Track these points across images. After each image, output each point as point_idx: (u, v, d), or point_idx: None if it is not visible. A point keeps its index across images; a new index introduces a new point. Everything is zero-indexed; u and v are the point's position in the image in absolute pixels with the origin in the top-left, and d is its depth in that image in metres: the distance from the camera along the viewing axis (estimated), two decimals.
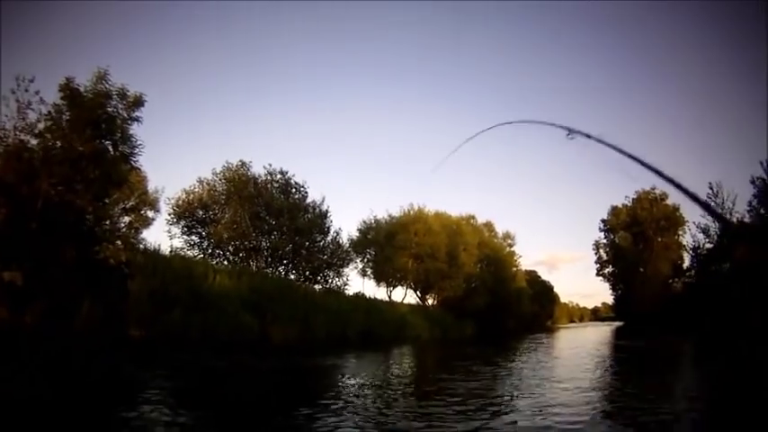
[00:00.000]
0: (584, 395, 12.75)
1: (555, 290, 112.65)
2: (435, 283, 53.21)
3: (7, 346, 14.53)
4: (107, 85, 21.12)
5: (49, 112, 20.13)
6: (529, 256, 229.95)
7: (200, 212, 37.86)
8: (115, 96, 21.30)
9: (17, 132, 19.65)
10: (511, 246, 74.06)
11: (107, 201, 22.25)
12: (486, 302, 57.29)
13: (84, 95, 20.64)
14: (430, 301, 56.51)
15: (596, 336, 53.43)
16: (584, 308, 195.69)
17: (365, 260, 52.54)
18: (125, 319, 20.11)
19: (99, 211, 21.67)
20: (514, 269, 73.48)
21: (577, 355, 27.66)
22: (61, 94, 20.38)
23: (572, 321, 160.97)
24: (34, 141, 20.03)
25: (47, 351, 14.68)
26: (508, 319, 65.44)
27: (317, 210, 39.80)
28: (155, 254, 26.13)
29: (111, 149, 21.50)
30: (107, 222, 22.90)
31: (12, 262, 17.34)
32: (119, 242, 21.38)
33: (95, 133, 20.71)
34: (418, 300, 55.50)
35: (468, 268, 55.99)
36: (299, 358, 21.09)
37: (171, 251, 30.72)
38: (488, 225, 70.26)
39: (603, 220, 74.43)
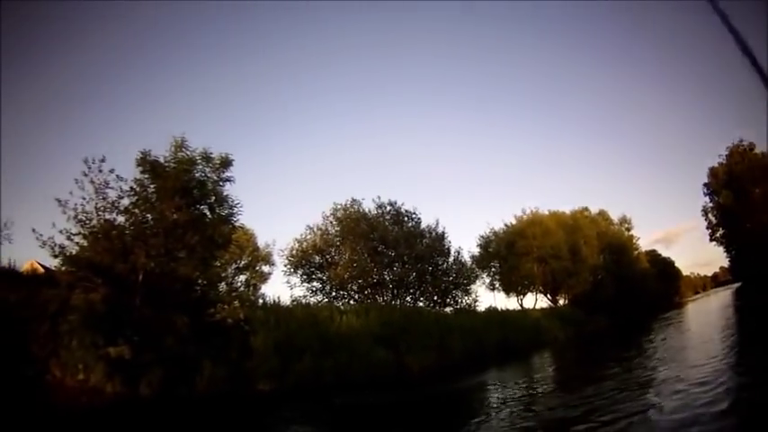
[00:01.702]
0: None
1: (676, 264, 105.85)
2: (563, 283, 50.40)
3: (124, 419, 14.51)
4: (187, 152, 19.98)
5: (131, 187, 19.29)
6: (645, 237, 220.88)
7: (317, 258, 35.99)
8: (200, 161, 20.22)
9: (99, 213, 18.75)
10: (629, 230, 69.99)
11: (216, 264, 21.39)
12: (614, 291, 54.06)
13: (165, 166, 19.68)
14: (560, 302, 53.50)
15: (718, 302, 53.39)
16: (705, 276, 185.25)
17: (491, 273, 49.91)
18: (250, 375, 18.89)
19: (208, 274, 20.59)
20: (635, 252, 69.47)
21: (708, 325, 28.59)
22: (140, 168, 19.55)
23: (696, 292, 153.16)
24: (121, 218, 19.24)
25: (167, 419, 14.92)
26: (637, 303, 60.72)
27: (434, 233, 37.30)
28: (275, 306, 24.74)
29: (208, 213, 20.61)
30: (220, 284, 21.92)
31: (118, 337, 16.67)
32: (236, 302, 20.07)
33: (188, 200, 19.72)
34: (549, 302, 52.69)
35: (591, 261, 52.76)
36: (439, 384, 20.45)
37: (292, 301, 29.30)
38: (603, 214, 66.09)
39: (705, 184, 68.84)
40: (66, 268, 18.15)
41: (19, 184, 61.35)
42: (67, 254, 18.03)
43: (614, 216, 68.99)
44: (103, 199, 18.74)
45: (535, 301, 51.03)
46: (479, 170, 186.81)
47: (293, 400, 17.32)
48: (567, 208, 58.69)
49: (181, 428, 14.40)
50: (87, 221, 18.47)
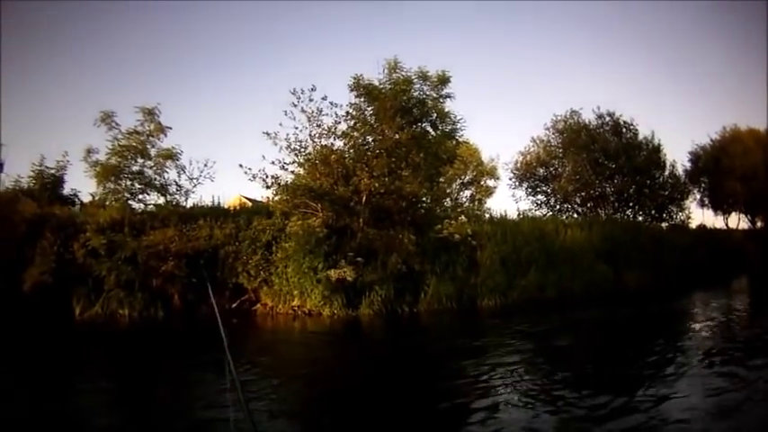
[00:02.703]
0: None
1: None
2: (761, 204, 45.74)
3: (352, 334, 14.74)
4: (402, 73, 18.99)
5: (347, 112, 18.66)
6: None
7: (541, 170, 34.80)
8: (416, 80, 19.12)
9: (314, 140, 18.54)
10: None
11: (441, 180, 21.21)
12: None
13: (380, 88, 18.73)
14: (758, 224, 49.21)
15: None
16: None
17: (701, 189, 45.84)
18: (476, 290, 18.43)
19: (434, 191, 20.46)
20: None
21: None
22: (354, 92, 18.87)
23: None
24: (339, 143, 18.97)
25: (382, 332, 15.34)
26: None
27: (651, 145, 34.70)
28: (502, 220, 23.89)
29: (431, 130, 19.74)
30: (445, 200, 21.85)
31: (339, 260, 16.61)
32: (462, 217, 20.10)
33: (408, 119, 18.81)
34: (749, 224, 48.12)
35: None
36: (653, 302, 19.41)
37: (519, 214, 28.19)
38: None
39: None
40: (281, 197, 18.07)
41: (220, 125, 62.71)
42: (281, 183, 17.97)
43: None
44: (318, 126, 18.36)
45: (738, 221, 47.08)
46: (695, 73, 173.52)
47: (517, 315, 16.33)
48: (761, 125, 54.05)
49: (393, 339, 14.24)
50: (302, 150, 18.36)
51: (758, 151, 44.34)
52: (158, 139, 17.72)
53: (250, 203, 22.39)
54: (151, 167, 17.72)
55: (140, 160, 17.51)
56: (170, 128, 17.94)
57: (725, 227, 44.86)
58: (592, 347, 12.15)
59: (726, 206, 45.36)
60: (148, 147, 17.56)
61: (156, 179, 17.79)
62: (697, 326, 14.44)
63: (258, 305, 17.01)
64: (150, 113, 17.56)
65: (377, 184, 17.55)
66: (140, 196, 17.95)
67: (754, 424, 6.30)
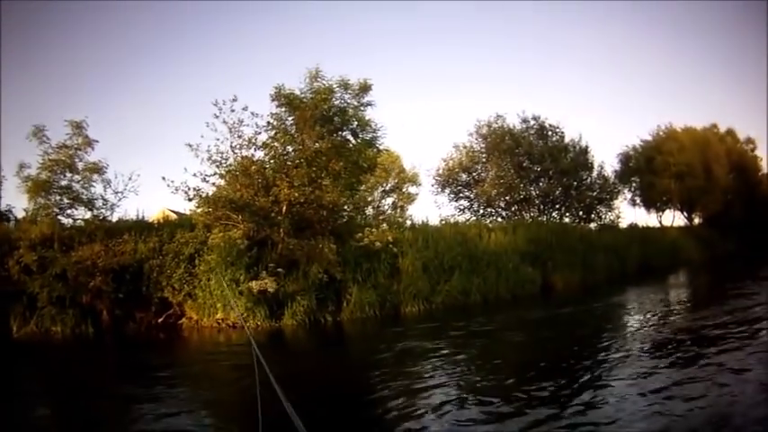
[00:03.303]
0: None
1: None
2: (697, 201, 47.94)
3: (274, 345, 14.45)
4: (324, 82, 19.41)
5: (268, 122, 18.76)
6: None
7: (464, 176, 35.05)
8: (337, 88, 19.52)
9: (235, 151, 18.48)
10: (753, 150, 64.92)
11: (362, 188, 21.68)
12: (743, 214, 50.85)
13: (301, 97, 19.01)
14: (695, 221, 51.37)
15: None
16: None
17: (632, 189, 47.63)
18: (398, 297, 18.55)
19: (355, 199, 21.10)
20: (760, 174, 64.13)
21: None
22: (275, 102, 19.06)
23: None
24: (260, 153, 19.03)
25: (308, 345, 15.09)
26: (765, 228, 56.83)
27: (577, 147, 35.42)
28: (424, 226, 23.90)
29: (351, 139, 20.13)
30: (367, 208, 22.52)
31: (260, 271, 16.68)
32: (383, 225, 20.24)
33: (329, 128, 19.14)
34: (685, 220, 50.78)
35: (722, 182, 49.14)
36: (582, 302, 19.84)
37: (441, 220, 28.08)
38: (731, 132, 61.38)
39: None
40: (203, 210, 17.96)
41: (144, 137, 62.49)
42: (203, 195, 17.82)
43: (741, 136, 64.24)
44: (239, 137, 18.37)
45: (673, 218, 49.50)
46: (622, 80, 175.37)
47: (441, 320, 16.66)
48: (698, 124, 54.41)
49: (319, 348, 14.43)
50: (223, 161, 18.29)
51: (694, 149, 45.56)
52: (86, 153, 17.76)
53: (175, 216, 22.39)
54: (78, 182, 17.71)
55: (69, 174, 17.52)
56: (97, 141, 18.01)
57: (659, 224, 45.91)
58: (516, 347, 12.49)
59: (659, 204, 46.64)
60: (76, 161, 17.59)
61: (83, 193, 17.79)
62: (622, 321, 15.17)
63: (184, 319, 16.97)
64: (78, 127, 17.65)
65: (296, 194, 17.60)
66: (69, 211, 17.92)
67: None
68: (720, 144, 53.30)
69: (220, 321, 16.42)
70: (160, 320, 16.81)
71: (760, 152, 64.34)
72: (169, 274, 16.79)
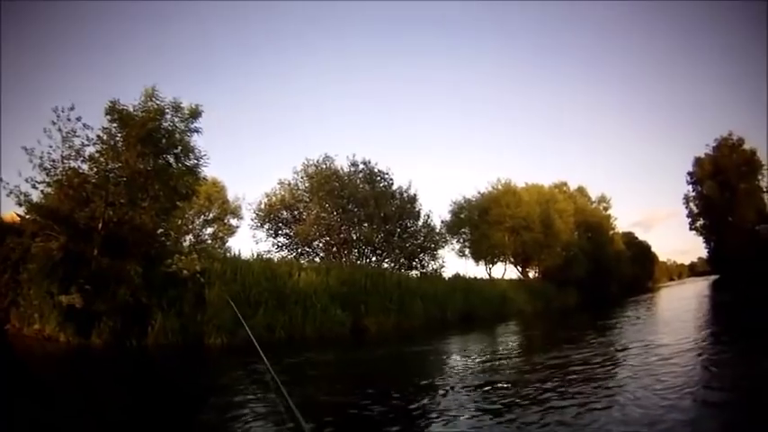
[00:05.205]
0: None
1: (652, 249, 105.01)
2: (534, 255, 49.82)
3: (76, 368, 14.14)
4: (157, 102, 20.00)
5: (98, 135, 19.28)
6: (624, 219, 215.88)
7: (285, 213, 35.71)
8: (169, 110, 20.23)
9: (65, 161, 18.79)
10: (606, 209, 68.99)
11: (175, 214, 21.90)
12: (587, 269, 53.42)
13: (134, 115, 19.50)
14: (531, 274, 53.29)
15: (692, 292, 52.73)
16: (682, 264, 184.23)
17: (461, 240, 49.18)
18: (202, 328, 18.84)
19: (170, 224, 21.58)
20: (611, 232, 68.33)
21: (678, 311, 28.69)
22: (109, 117, 19.42)
23: (671, 279, 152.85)
24: (85, 167, 19.22)
25: (117, 369, 14.51)
26: (610, 283, 61.21)
27: (405, 195, 36.87)
28: (233, 259, 24.24)
29: (173, 163, 20.60)
30: (187, 236, 23.49)
31: (71, 286, 16.84)
32: (193, 254, 20.40)
33: (153, 149, 19.72)
34: (519, 274, 52.22)
35: (565, 236, 51.98)
36: (396, 346, 20.32)
37: (255, 255, 28.12)
38: (581, 190, 65.28)
39: (690, 173, 68.61)
40: (31, 216, 18.38)
41: None
42: (32, 202, 18.12)
43: (593, 195, 68.29)
44: (69, 147, 18.74)
45: (504, 270, 50.66)
46: (457, 138, 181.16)
47: (244, 355, 16.54)
48: (545, 182, 58.35)
49: (126, 375, 14.00)
50: (53, 169, 18.52)
51: (534, 203, 47.87)
52: None
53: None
54: None
55: None
56: None
57: (488, 276, 46.74)
58: (312, 383, 12.62)
59: (490, 256, 47.94)
60: None
61: None
62: (427, 364, 15.56)
63: (8, 325, 16.99)
64: None
65: (111, 212, 18.21)
66: None
67: None
68: (568, 201, 56.01)
69: (37, 332, 16.70)
70: None
71: (613, 212, 68.87)
72: None
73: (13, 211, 23.44)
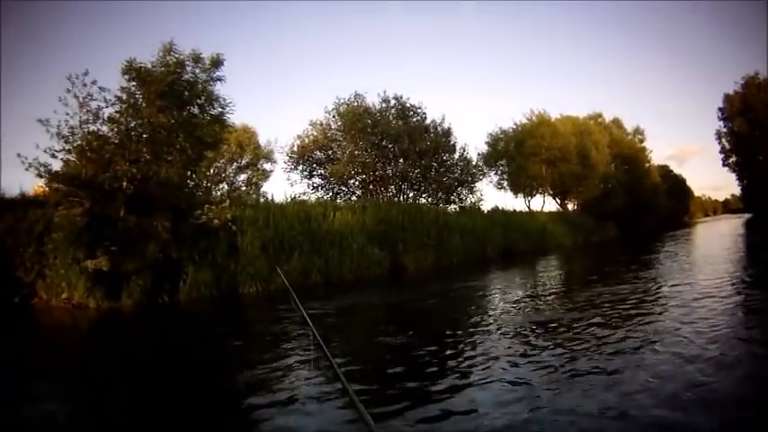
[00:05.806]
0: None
1: (687, 184, 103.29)
2: (572, 187, 49.14)
3: (106, 333, 13.70)
4: (176, 56, 19.33)
5: (117, 96, 18.48)
6: (658, 152, 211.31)
7: (318, 154, 35.07)
8: (189, 62, 19.58)
9: (83, 126, 17.96)
10: (641, 141, 67.63)
11: (202, 165, 21.07)
12: (625, 202, 53.00)
13: (152, 71, 18.82)
14: (570, 206, 52.68)
15: (728, 229, 51.69)
16: (716, 200, 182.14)
17: (499, 172, 48.69)
18: (236, 277, 18.54)
19: (199, 175, 20.80)
20: (647, 165, 66.95)
21: (718, 249, 27.18)
22: (126, 77, 18.75)
23: (706, 215, 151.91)
24: (105, 128, 18.49)
25: (149, 329, 13.92)
26: (647, 217, 60.52)
27: (439, 129, 35.96)
28: (266, 204, 23.62)
29: (198, 114, 20.01)
30: (221, 184, 22.95)
31: (97, 250, 16.45)
32: (225, 203, 19.62)
33: (176, 103, 19.01)
34: (558, 206, 51.62)
35: (602, 168, 51.28)
36: (435, 285, 19.40)
37: (290, 198, 27.27)
38: (617, 122, 64.13)
39: (720, 109, 66.72)
40: (52, 186, 17.91)
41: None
42: (52, 172, 17.51)
43: (628, 126, 67.17)
44: (87, 111, 17.99)
45: (543, 203, 50.13)
46: (487, 71, 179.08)
47: (280, 301, 15.91)
48: (580, 113, 57.43)
49: (159, 334, 13.38)
50: (72, 136, 17.82)
51: (570, 135, 46.72)
52: None
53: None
54: None
55: None
56: None
57: (527, 209, 46.11)
58: (358, 328, 12.67)
59: (529, 189, 47.42)
60: None
61: None
62: (470, 304, 14.63)
63: (36, 299, 16.68)
64: None
65: (134, 170, 17.52)
66: None
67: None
68: (604, 132, 54.94)
69: (66, 301, 16.29)
70: (17, 300, 16.40)
71: (648, 144, 67.36)
72: (21, 252, 16.72)
73: (36, 184, 23.27)
